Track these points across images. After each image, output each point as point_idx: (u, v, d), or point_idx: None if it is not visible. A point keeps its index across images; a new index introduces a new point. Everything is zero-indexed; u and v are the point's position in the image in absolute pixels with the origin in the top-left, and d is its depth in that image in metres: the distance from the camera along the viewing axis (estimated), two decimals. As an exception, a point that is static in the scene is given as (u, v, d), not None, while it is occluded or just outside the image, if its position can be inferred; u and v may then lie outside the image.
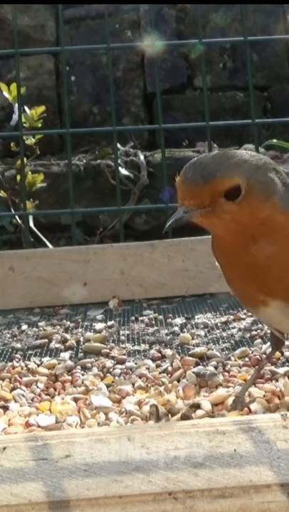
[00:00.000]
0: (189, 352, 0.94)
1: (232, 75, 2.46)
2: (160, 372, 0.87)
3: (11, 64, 2.25)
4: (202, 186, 0.65)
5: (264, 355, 0.90)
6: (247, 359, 0.90)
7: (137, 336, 1.04)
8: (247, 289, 0.71)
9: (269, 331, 0.83)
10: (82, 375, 0.88)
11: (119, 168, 1.73)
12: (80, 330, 1.09)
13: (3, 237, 2.04)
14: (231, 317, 1.09)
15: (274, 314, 0.71)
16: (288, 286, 0.68)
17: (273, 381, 0.82)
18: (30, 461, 0.53)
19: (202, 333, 1.03)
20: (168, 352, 0.94)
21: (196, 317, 1.11)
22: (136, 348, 0.99)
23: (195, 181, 0.65)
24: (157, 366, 0.90)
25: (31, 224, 1.63)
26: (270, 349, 0.91)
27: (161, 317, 1.12)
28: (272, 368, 0.86)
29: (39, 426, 0.72)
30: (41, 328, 1.11)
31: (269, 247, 0.68)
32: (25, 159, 1.56)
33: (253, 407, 0.72)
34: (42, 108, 1.60)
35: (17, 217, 1.68)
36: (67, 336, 1.05)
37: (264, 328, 1.01)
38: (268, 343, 0.94)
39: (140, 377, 0.85)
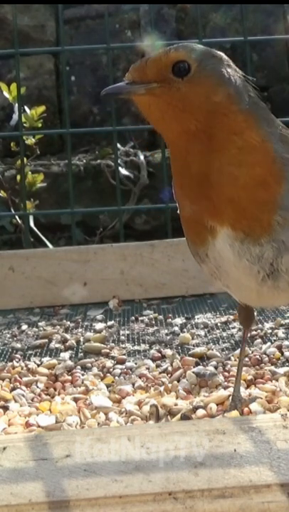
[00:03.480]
0: (189, 352, 0.94)
1: (232, 75, 2.46)
2: (160, 372, 0.87)
3: (11, 64, 2.24)
4: (147, 60, 0.65)
5: (264, 355, 0.90)
6: (247, 359, 0.89)
7: (137, 336, 1.04)
8: (195, 210, 0.66)
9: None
10: (82, 375, 0.88)
11: (119, 168, 1.73)
12: (80, 330, 1.09)
13: (3, 237, 2.04)
14: (231, 317, 1.09)
15: (223, 253, 0.65)
16: (238, 207, 0.63)
17: (273, 381, 0.82)
18: (30, 461, 0.53)
19: (202, 333, 1.03)
20: (168, 352, 0.94)
21: (196, 317, 1.11)
22: (136, 348, 0.99)
23: (142, 60, 0.66)
24: (157, 366, 0.90)
25: (31, 224, 1.63)
26: (270, 349, 0.91)
27: (161, 317, 1.12)
28: (272, 367, 0.86)
29: (39, 426, 0.72)
30: (41, 328, 1.11)
31: (223, 155, 0.63)
32: (25, 159, 1.56)
33: (253, 407, 0.72)
34: (42, 108, 1.60)
35: (17, 217, 1.68)
36: (67, 335, 1.05)
37: (264, 328, 1.01)
38: (268, 343, 0.94)
39: (140, 377, 0.85)
